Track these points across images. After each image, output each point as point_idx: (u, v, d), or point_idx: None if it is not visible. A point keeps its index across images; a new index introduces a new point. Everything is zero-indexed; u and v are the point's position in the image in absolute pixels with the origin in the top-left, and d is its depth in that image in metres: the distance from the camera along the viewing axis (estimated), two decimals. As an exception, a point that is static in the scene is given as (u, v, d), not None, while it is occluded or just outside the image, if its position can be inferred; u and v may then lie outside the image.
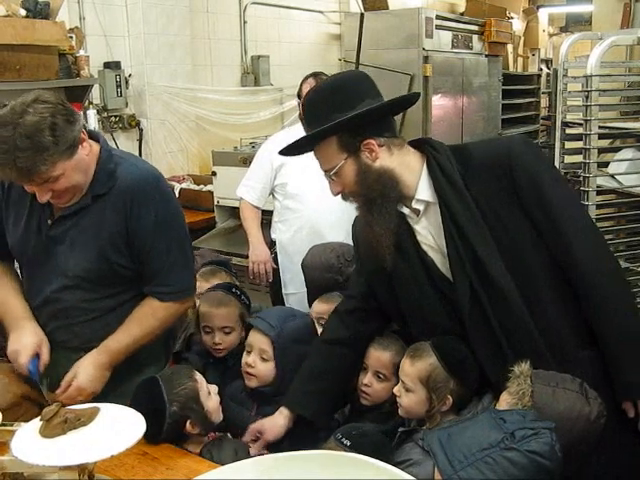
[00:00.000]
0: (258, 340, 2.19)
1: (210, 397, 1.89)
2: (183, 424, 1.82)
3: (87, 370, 1.94)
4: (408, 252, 1.85)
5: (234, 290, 2.49)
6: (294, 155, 1.96)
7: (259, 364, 2.17)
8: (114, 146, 4.55)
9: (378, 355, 2.08)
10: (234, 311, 2.42)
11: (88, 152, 1.88)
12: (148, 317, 2.02)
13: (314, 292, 2.83)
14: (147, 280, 2.02)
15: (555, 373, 1.65)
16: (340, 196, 1.86)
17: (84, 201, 1.92)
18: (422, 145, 1.85)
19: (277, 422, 2.03)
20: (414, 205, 1.81)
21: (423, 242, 1.84)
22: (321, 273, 2.81)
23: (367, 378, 2.08)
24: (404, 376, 1.88)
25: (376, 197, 1.77)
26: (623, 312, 1.75)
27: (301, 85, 3.38)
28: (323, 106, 1.77)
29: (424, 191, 1.79)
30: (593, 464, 1.67)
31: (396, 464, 1.81)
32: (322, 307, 2.47)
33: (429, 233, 1.83)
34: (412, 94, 1.94)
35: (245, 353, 2.22)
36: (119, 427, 1.28)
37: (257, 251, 3.39)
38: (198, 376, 1.90)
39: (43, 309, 2.03)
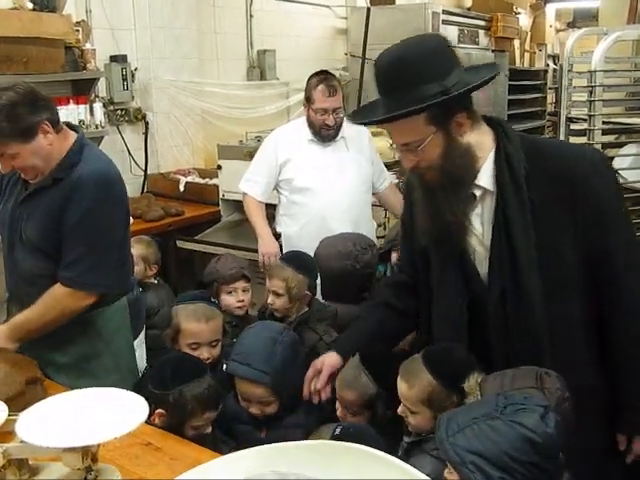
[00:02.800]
0: (253, 392, 2.10)
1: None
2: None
3: None
4: (453, 233, 1.78)
5: (213, 300, 2.58)
6: (362, 124, 1.90)
7: (262, 407, 2.11)
8: (120, 139, 4.58)
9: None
10: (220, 322, 2.43)
11: (51, 142, 2.11)
12: (49, 297, 2.19)
13: (330, 282, 2.87)
14: (60, 265, 2.19)
15: (513, 371, 1.63)
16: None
17: (45, 182, 2.17)
18: (495, 125, 1.77)
19: (333, 355, 2.06)
20: (472, 189, 1.75)
21: (470, 229, 1.79)
22: (338, 261, 2.86)
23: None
24: (404, 400, 1.84)
25: (457, 173, 1.70)
26: None
27: (311, 90, 3.34)
28: (410, 76, 1.62)
29: (485, 177, 1.73)
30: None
31: None
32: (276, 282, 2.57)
33: (479, 221, 1.78)
34: (497, 68, 1.82)
35: (242, 400, 2.14)
36: (122, 411, 1.30)
37: (266, 243, 3.39)
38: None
39: (14, 273, 2.32)
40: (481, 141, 1.73)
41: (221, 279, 2.89)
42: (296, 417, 2.14)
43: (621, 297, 1.72)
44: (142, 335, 2.70)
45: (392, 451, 1.78)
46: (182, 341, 2.38)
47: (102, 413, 1.30)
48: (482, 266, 1.80)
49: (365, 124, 1.89)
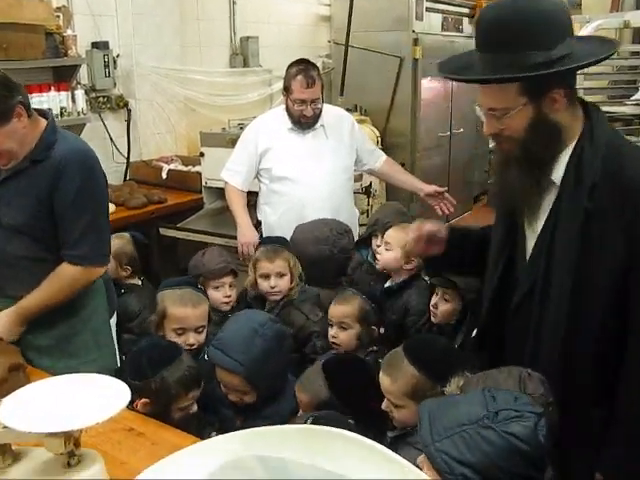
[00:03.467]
0: (230, 380, 2.12)
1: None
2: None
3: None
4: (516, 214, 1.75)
5: (199, 286, 2.58)
6: (450, 79, 1.74)
7: (240, 395, 2.13)
8: (102, 127, 4.55)
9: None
10: (206, 308, 2.44)
11: (25, 125, 2.14)
12: (58, 278, 2.23)
13: (307, 267, 2.89)
14: (61, 244, 2.23)
15: (500, 371, 1.60)
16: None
17: (23, 164, 2.18)
18: (589, 114, 1.64)
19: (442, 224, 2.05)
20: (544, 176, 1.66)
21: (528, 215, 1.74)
22: (314, 246, 2.90)
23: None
24: (388, 394, 1.82)
25: (537, 151, 1.60)
26: None
27: (290, 80, 3.35)
28: (517, 35, 1.50)
29: (557, 169, 1.64)
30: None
31: None
32: (342, 309, 2.47)
33: (539, 211, 1.70)
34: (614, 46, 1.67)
35: (222, 386, 2.16)
36: (104, 396, 1.30)
37: (245, 233, 3.41)
38: None
39: None
40: (571, 126, 1.62)
41: (208, 273, 2.84)
42: (276, 408, 2.13)
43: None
44: (114, 317, 2.70)
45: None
46: (167, 326, 2.38)
47: (84, 399, 1.30)
48: (528, 255, 1.75)
49: (453, 79, 1.76)
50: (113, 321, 2.64)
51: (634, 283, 1.57)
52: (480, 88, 1.63)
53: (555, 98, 1.56)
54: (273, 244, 2.88)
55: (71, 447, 1.28)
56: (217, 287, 2.84)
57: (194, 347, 2.36)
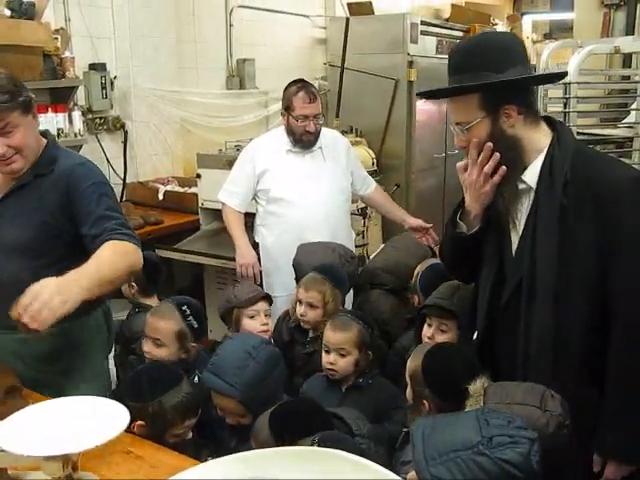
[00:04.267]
0: (225, 404, 2.11)
1: None
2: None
3: (48, 282, 1.75)
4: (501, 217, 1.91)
5: (184, 308, 2.47)
6: (429, 98, 2.03)
7: (237, 418, 2.11)
8: (98, 148, 4.57)
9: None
10: (169, 327, 2.40)
11: (37, 126, 2.17)
12: (112, 251, 1.98)
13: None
14: (100, 235, 2.04)
15: (517, 385, 1.67)
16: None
17: (26, 179, 2.14)
18: (556, 129, 1.87)
19: None
20: (518, 183, 1.85)
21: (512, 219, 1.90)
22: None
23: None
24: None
25: (501, 163, 1.80)
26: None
27: (290, 98, 3.37)
28: (475, 60, 1.80)
29: (530, 174, 1.83)
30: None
31: (402, 464, 1.84)
32: (341, 336, 2.41)
33: (519, 214, 1.88)
34: (559, 73, 2.10)
35: (218, 410, 2.15)
36: (103, 419, 1.30)
37: (244, 254, 3.41)
38: None
39: None
40: (534, 138, 1.84)
41: (241, 303, 2.77)
42: None
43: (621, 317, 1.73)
44: (112, 352, 2.67)
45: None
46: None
47: (83, 421, 1.30)
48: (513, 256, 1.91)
49: (428, 97, 2.06)
50: (111, 355, 2.61)
51: (610, 269, 1.73)
52: (450, 106, 1.90)
53: (509, 113, 1.79)
54: (319, 273, 2.79)
55: (69, 471, 1.27)
56: (252, 316, 2.76)
57: (148, 357, 2.40)
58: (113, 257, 1.96)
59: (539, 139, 1.84)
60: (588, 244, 1.74)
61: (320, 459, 1.18)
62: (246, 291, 2.81)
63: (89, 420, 1.31)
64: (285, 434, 1.76)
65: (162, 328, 2.40)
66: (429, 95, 1.99)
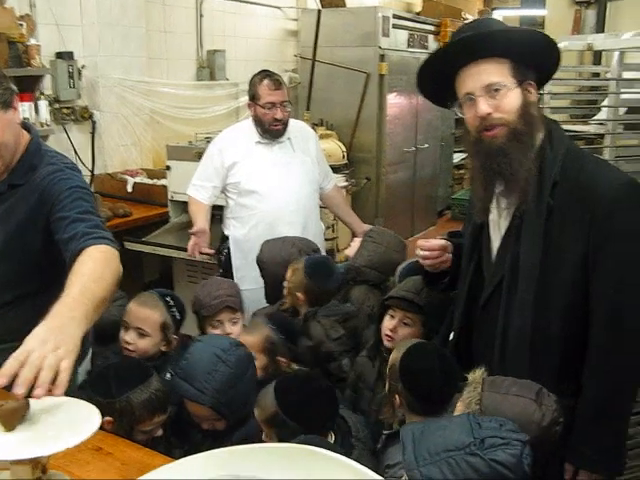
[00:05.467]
0: (197, 409, 2.03)
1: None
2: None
3: (38, 333, 1.37)
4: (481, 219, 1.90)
5: (168, 299, 2.42)
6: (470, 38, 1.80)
7: (212, 423, 2.05)
8: (66, 139, 4.48)
9: None
10: (154, 317, 2.35)
11: (18, 122, 1.97)
12: (89, 258, 1.73)
13: (275, 287, 2.84)
14: (74, 238, 1.83)
15: (515, 380, 1.64)
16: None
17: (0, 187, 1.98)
18: (549, 127, 1.82)
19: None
20: None
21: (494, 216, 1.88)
22: (283, 268, 2.82)
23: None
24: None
25: (526, 132, 1.75)
26: (621, 377, 1.71)
27: (256, 86, 3.34)
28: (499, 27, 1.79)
29: None
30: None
31: (387, 467, 1.84)
32: (246, 339, 2.28)
33: (505, 209, 1.84)
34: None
35: (192, 415, 2.07)
36: (73, 420, 1.26)
37: (196, 223, 3.34)
38: None
39: None
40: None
41: (203, 311, 2.58)
42: (244, 432, 2.04)
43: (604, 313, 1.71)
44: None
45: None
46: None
47: (52, 422, 1.26)
48: (493, 255, 1.89)
49: (448, 46, 1.85)
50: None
51: (592, 266, 1.70)
52: (478, 68, 1.75)
53: (530, 89, 1.77)
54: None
55: (39, 474, 1.23)
56: (215, 326, 2.58)
57: (129, 348, 2.33)
58: (98, 270, 1.68)
59: (537, 130, 1.80)
60: (573, 245, 1.71)
61: (296, 456, 1.17)
62: (211, 295, 2.59)
63: (59, 421, 1.27)
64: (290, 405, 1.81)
65: (148, 318, 2.34)
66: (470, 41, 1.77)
